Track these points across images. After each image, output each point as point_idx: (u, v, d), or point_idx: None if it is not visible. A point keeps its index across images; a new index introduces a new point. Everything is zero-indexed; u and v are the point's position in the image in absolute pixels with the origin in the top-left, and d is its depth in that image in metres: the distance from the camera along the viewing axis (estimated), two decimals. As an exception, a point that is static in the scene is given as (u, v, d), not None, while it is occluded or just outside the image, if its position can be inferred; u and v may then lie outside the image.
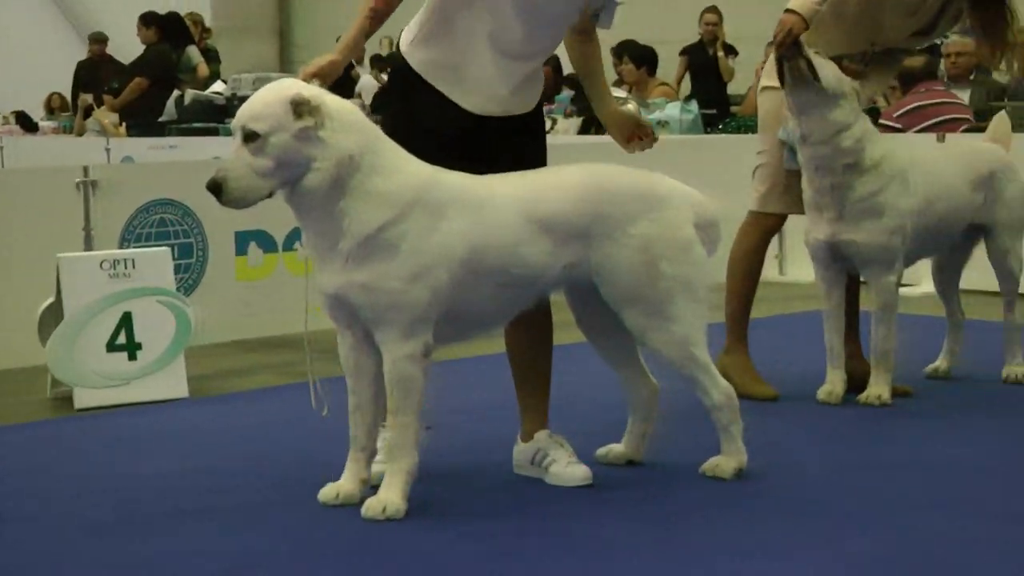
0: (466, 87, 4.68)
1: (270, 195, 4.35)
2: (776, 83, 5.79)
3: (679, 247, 4.59)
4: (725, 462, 4.74)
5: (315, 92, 4.30)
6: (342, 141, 4.27)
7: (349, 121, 4.33)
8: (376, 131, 4.41)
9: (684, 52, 14.33)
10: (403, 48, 4.75)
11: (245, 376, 6.96)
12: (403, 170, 4.37)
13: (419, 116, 4.62)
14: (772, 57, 5.80)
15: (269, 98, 4.26)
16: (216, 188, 4.28)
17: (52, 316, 6.42)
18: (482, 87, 4.69)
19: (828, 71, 5.65)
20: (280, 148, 4.23)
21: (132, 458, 5.33)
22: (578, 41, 4.93)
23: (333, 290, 4.38)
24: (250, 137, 4.24)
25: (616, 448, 4.96)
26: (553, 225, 4.49)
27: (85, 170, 7.52)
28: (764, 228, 6.01)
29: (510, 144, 4.73)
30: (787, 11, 5.56)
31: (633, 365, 4.88)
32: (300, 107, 4.23)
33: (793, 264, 9.61)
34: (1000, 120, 6.46)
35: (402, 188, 4.33)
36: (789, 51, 5.57)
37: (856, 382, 5.87)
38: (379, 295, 4.31)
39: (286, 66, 22.90)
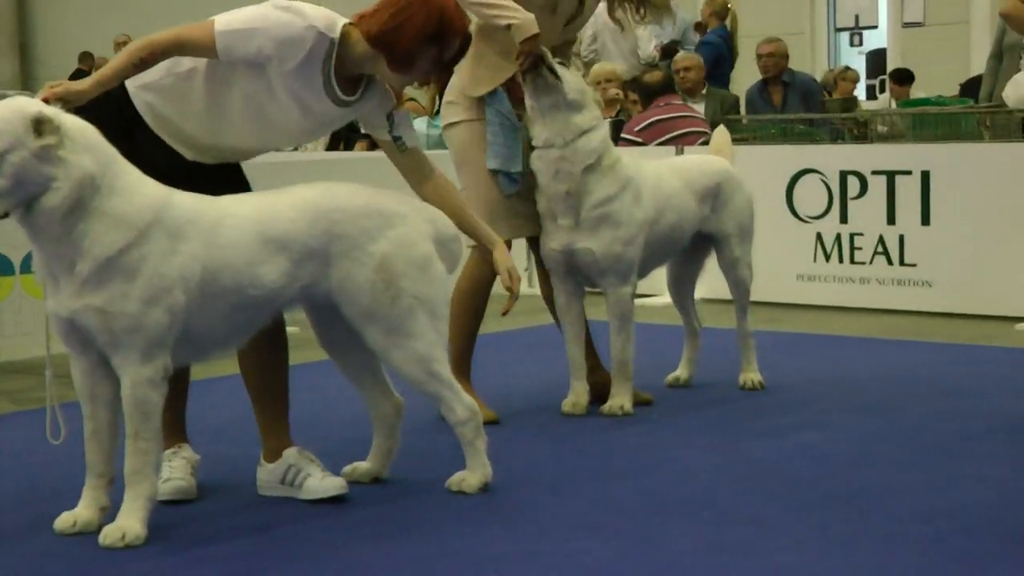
0: (188, 143, 4.67)
1: (5, 215, 4.22)
2: (462, 117, 5.84)
3: (417, 265, 4.60)
4: (471, 476, 4.76)
5: (55, 111, 4.19)
6: (83, 161, 4.17)
7: (89, 141, 4.23)
8: (114, 152, 4.30)
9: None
10: (131, 87, 4.61)
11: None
12: (141, 191, 4.29)
13: (141, 155, 4.47)
14: (462, 85, 5.83)
15: (7, 115, 4.13)
16: None
17: None
18: (204, 149, 4.69)
19: (571, 78, 5.76)
20: (18, 167, 4.10)
21: None
22: (417, 185, 4.87)
23: (67, 314, 4.27)
24: None
25: (361, 465, 4.95)
26: (289, 245, 4.46)
27: None
28: (488, 261, 5.93)
29: (223, 188, 4.65)
30: (524, 41, 5.61)
31: (376, 382, 4.88)
32: (41, 125, 4.11)
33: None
34: (720, 133, 6.67)
35: (142, 209, 4.25)
36: (534, 62, 5.65)
37: (599, 392, 5.96)
38: (117, 319, 4.22)
39: (28, 82, 22.28)
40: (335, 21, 4.59)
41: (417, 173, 4.85)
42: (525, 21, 5.60)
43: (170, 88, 4.59)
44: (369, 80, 4.70)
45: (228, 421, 5.41)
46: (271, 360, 4.82)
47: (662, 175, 6.07)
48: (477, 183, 5.83)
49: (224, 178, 4.74)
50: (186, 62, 4.57)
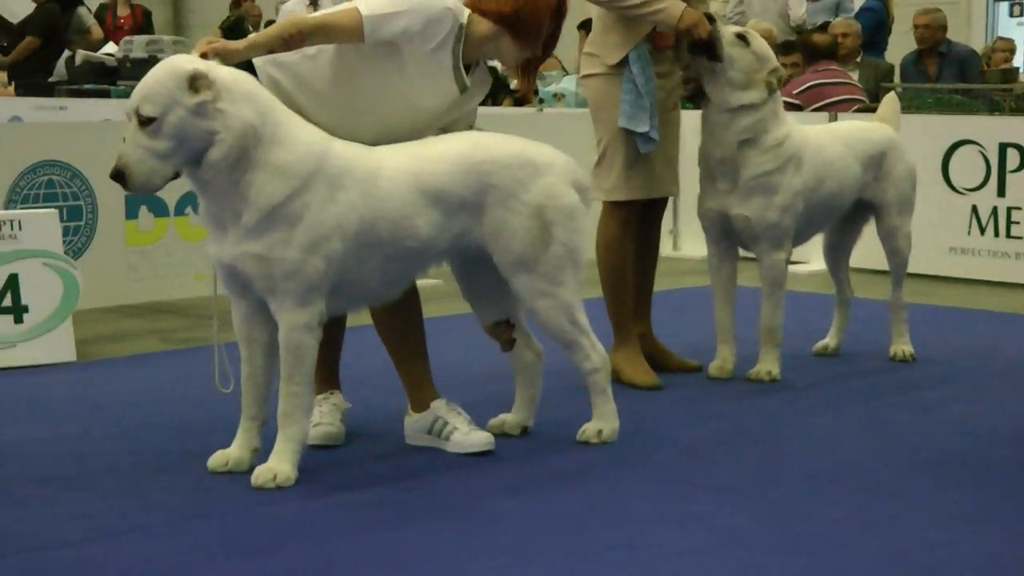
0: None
1: (176, 175, 4.32)
2: (598, 70, 5.80)
3: (566, 213, 4.67)
4: (603, 426, 4.86)
5: (209, 65, 4.26)
6: (242, 111, 4.24)
7: (246, 91, 4.30)
8: (272, 99, 4.38)
9: (583, 26, 14.33)
10: (258, 61, 4.63)
11: (130, 341, 6.90)
12: (302, 139, 4.36)
13: None
14: (597, 40, 5.80)
15: (161, 77, 4.22)
16: (120, 176, 4.23)
17: (-66, 277, 6.31)
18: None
19: (738, 58, 5.70)
20: (178, 127, 4.20)
21: (12, 422, 5.28)
22: None
23: (229, 260, 4.36)
24: (146, 121, 4.20)
25: (508, 417, 4.99)
26: (444, 196, 4.52)
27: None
28: (622, 218, 5.85)
29: None
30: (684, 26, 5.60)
31: (518, 331, 4.92)
32: (196, 82, 4.19)
33: (686, 239, 9.71)
34: (890, 100, 6.56)
35: (304, 158, 4.33)
36: (700, 43, 5.67)
37: (651, 362, 5.89)
38: (276, 265, 4.30)
39: (180, 29, 22.61)
40: (460, 5, 4.66)
41: None
42: (670, 8, 5.59)
43: (295, 66, 4.64)
44: (475, 67, 4.75)
45: (376, 369, 5.46)
46: (405, 317, 4.87)
47: (824, 142, 6.00)
48: (611, 138, 5.80)
49: None
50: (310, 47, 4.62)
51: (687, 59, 5.80)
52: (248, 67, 4.54)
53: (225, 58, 4.36)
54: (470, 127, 4.90)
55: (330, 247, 4.34)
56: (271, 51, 4.49)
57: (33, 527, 4.02)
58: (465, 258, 4.74)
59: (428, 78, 4.63)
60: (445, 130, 4.81)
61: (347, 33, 4.51)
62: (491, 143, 4.68)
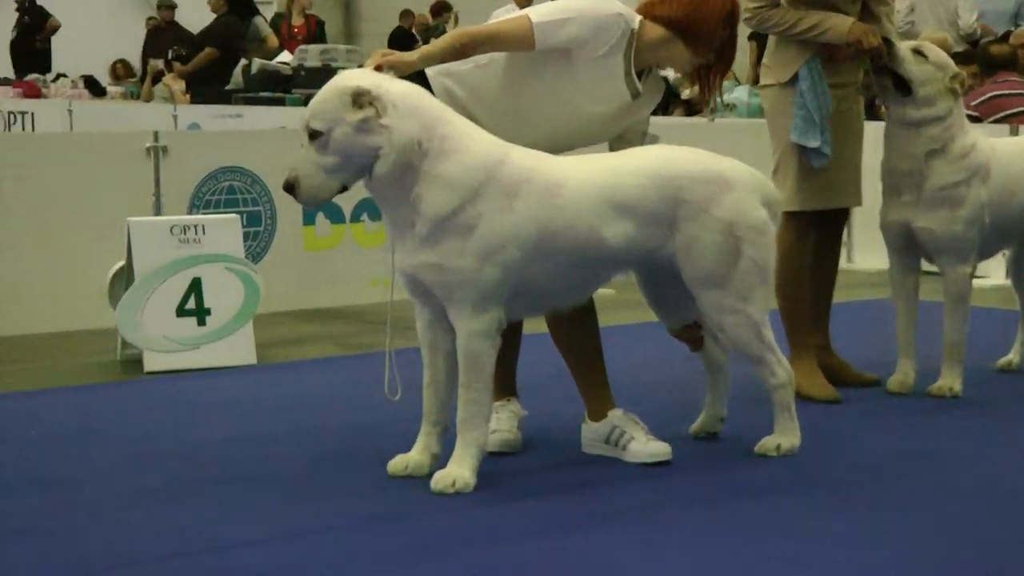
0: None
1: (344, 188, 4.38)
2: (772, 80, 5.75)
3: (756, 229, 4.64)
4: (783, 440, 4.81)
5: (376, 81, 4.30)
6: (406, 126, 4.28)
7: (412, 105, 4.32)
8: (443, 113, 4.40)
9: (752, 37, 14.22)
10: (431, 71, 4.68)
11: (305, 345, 7.01)
12: (472, 151, 4.37)
13: None
14: (772, 53, 5.76)
15: (327, 94, 4.29)
16: (290, 188, 4.33)
17: (122, 279, 6.46)
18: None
19: (918, 73, 5.60)
20: (343, 142, 4.26)
21: (194, 423, 5.38)
22: None
23: (409, 270, 4.41)
24: (314, 135, 4.28)
25: (704, 415, 5.03)
26: (636, 210, 4.51)
27: (155, 135, 7.58)
28: (797, 228, 5.75)
29: None
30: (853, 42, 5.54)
31: (705, 330, 4.92)
32: (359, 98, 4.24)
33: (860, 252, 9.56)
34: None
35: (472, 170, 4.34)
36: (878, 64, 5.59)
37: (828, 375, 5.79)
38: (451, 274, 4.33)
39: (352, 38, 22.91)
40: (631, 11, 4.65)
41: None
42: (836, 27, 5.53)
43: (467, 76, 4.66)
44: (646, 73, 4.73)
45: (552, 377, 5.46)
46: (581, 326, 4.85)
47: (1013, 154, 5.86)
48: (784, 149, 5.75)
49: None
50: (483, 55, 4.64)
51: (867, 78, 5.71)
52: (421, 78, 4.59)
53: (398, 70, 4.40)
54: (643, 135, 4.88)
55: (506, 255, 4.35)
56: (443, 61, 4.52)
57: (216, 527, 4.08)
58: (651, 270, 4.73)
59: (599, 84, 4.63)
60: (621, 139, 4.80)
61: (518, 41, 4.53)
62: (682, 157, 4.66)
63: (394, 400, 4.76)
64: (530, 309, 4.62)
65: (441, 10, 19.65)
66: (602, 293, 4.86)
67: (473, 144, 4.38)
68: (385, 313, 4.78)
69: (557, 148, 4.64)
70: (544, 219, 4.40)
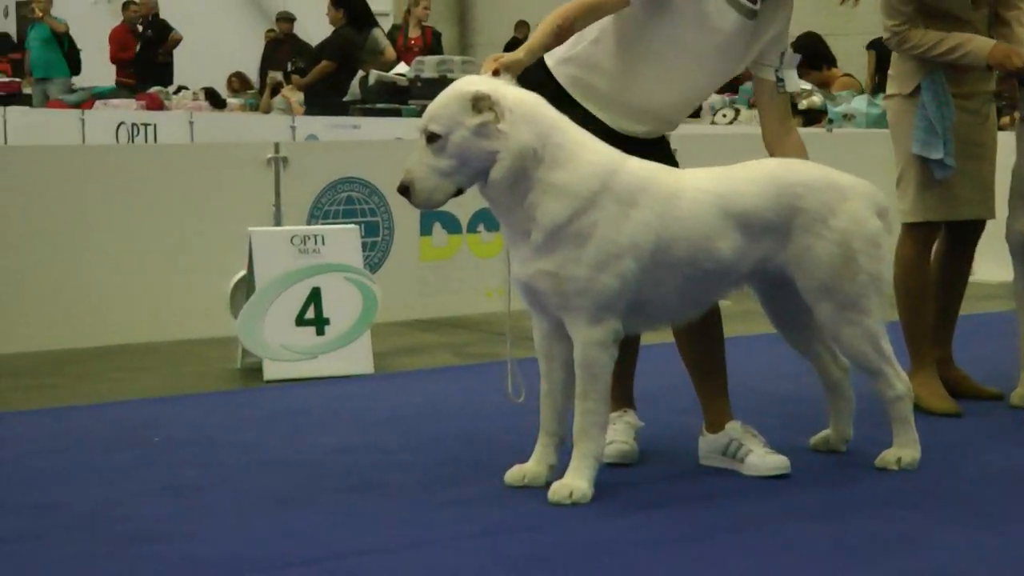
0: (616, 113, 4.73)
1: (459, 192, 4.39)
2: (896, 91, 5.67)
3: (871, 241, 4.59)
4: (904, 453, 4.74)
5: (494, 86, 4.31)
6: (523, 133, 4.28)
7: (529, 113, 4.32)
8: (560, 121, 4.39)
9: (871, 46, 14.08)
10: (550, 62, 4.75)
11: (423, 355, 7.04)
12: (587, 159, 4.36)
13: None
14: (897, 63, 5.68)
15: (447, 98, 4.30)
16: (405, 191, 4.35)
17: (243, 289, 6.54)
18: (633, 116, 4.74)
19: None
20: (461, 146, 4.27)
21: (313, 432, 5.41)
22: (774, 134, 4.89)
23: (524, 278, 4.41)
24: (431, 138, 4.29)
25: (829, 433, 4.98)
26: (750, 220, 4.47)
27: (276, 147, 7.66)
28: (919, 240, 5.68)
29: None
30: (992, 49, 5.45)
31: (824, 349, 4.88)
32: (479, 103, 4.25)
33: (983, 263, 9.36)
34: None
35: (586, 178, 4.33)
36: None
37: (949, 388, 5.69)
38: (567, 282, 4.33)
39: (466, 49, 23.02)
40: None
41: (781, 122, 4.89)
42: (976, 50, 5.45)
43: (585, 57, 4.68)
44: None
45: (668, 388, 5.45)
46: (706, 335, 4.83)
47: None
48: (907, 160, 5.66)
49: (652, 154, 4.73)
50: (593, 30, 4.65)
51: (1002, 86, 5.63)
52: (545, 75, 4.65)
53: (512, 70, 4.41)
54: (781, 55, 4.82)
55: (623, 265, 4.34)
56: (547, 48, 4.53)
57: (336, 534, 4.11)
58: (768, 283, 4.69)
59: (705, 16, 4.61)
60: (758, 64, 4.81)
61: (612, 3, 4.54)
62: (797, 166, 4.64)
63: (518, 402, 4.77)
64: (646, 323, 4.59)
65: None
66: (720, 303, 4.82)
67: (587, 153, 4.38)
68: (501, 323, 4.80)
69: (697, 94, 4.73)
70: (660, 229, 4.38)
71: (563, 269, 4.32)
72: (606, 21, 4.64)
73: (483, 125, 4.25)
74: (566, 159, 4.33)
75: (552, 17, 4.53)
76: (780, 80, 4.82)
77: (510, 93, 4.31)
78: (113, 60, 18.68)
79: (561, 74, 4.73)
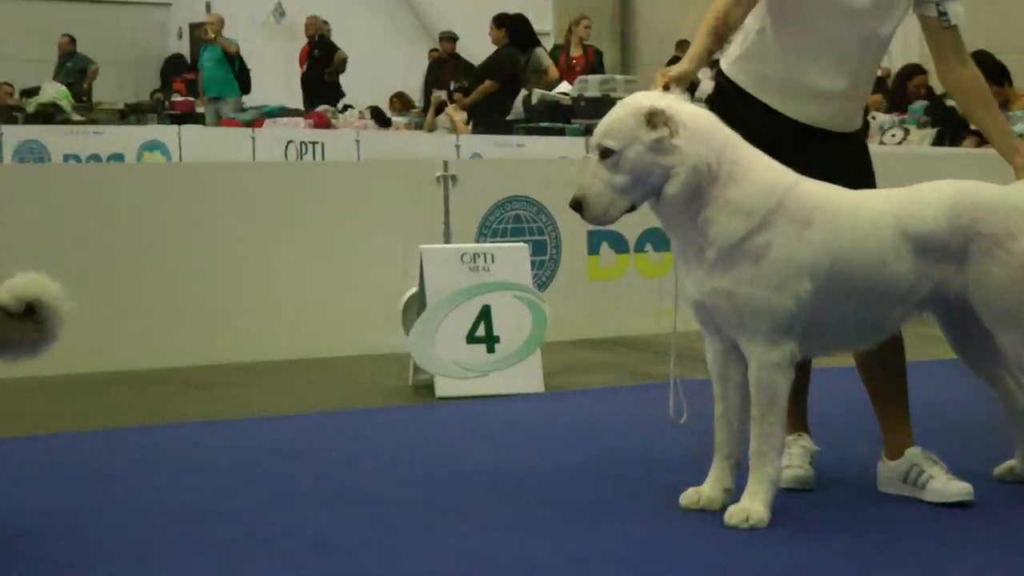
0: (794, 99, 4.66)
1: (632, 208, 4.36)
2: None
3: None
4: None
5: (669, 102, 4.28)
6: (698, 149, 4.24)
7: (703, 129, 4.29)
8: (733, 138, 4.35)
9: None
10: (725, 66, 4.76)
11: (591, 374, 7.01)
12: (762, 177, 4.31)
13: (747, 129, 4.49)
14: None
15: (622, 114, 4.29)
16: (578, 206, 4.32)
17: (415, 306, 6.58)
18: (810, 99, 4.66)
19: None
20: (635, 162, 4.24)
21: (487, 448, 5.44)
22: (948, 68, 4.76)
23: (698, 296, 4.37)
24: (606, 154, 4.27)
25: (1015, 464, 4.82)
26: (926, 243, 4.37)
27: (445, 165, 7.71)
28: None
29: (838, 158, 4.67)
30: None
31: (1010, 377, 4.74)
32: (654, 118, 4.23)
33: None
34: None
35: (763, 197, 4.28)
36: None
37: None
38: (743, 301, 4.27)
39: (627, 68, 22.98)
40: None
41: (953, 56, 4.73)
42: None
43: (754, 49, 4.67)
44: None
45: (844, 412, 5.36)
46: (889, 360, 4.73)
47: None
48: None
49: (846, 149, 4.71)
50: (756, 21, 4.63)
51: None
52: (723, 82, 4.66)
53: (681, 81, 4.37)
54: (936, 5, 4.71)
55: (799, 286, 4.27)
56: (710, 51, 4.51)
57: (508, 550, 4.12)
58: (947, 308, 4.56)
59: None
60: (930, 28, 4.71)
61: None
62: (975, 189, 4.51)
63: (679, 423, 4.72)
64: (823, 346, 4.52)
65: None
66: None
67: (762, 171, 4.33)
68: (668, 343, 4.74)
69: (863, 60, 4.65)
70: (836, 249, 4.31)
71: (739, 287, 4.27)
72: (763, 8, 4.61)
73: (658, 140, 4.22)
74: (741, 176, 4.28)
75: (706, 20, 4.50)
76: (943, 14, 4.69)
77: (684, 108, 4.28)
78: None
79: (735, 73, 4.72)
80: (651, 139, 4.22)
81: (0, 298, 4.15)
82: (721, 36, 4.52)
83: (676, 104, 4.27)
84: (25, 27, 22.44)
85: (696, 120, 4.28)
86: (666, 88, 4.35)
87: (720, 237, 4.27)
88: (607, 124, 4.29)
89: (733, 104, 4.68)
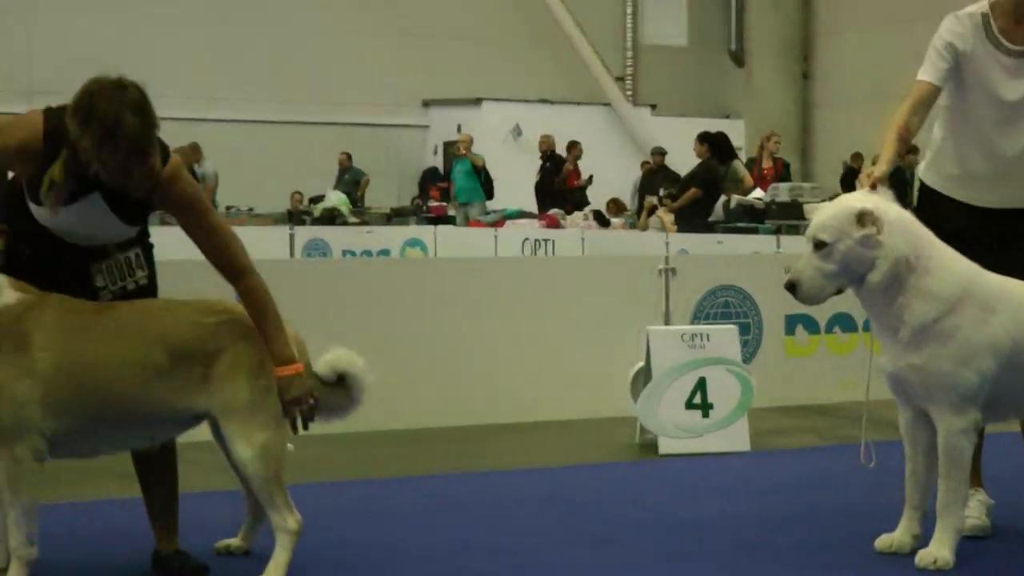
0: (969, 189, 4.69)
1: (839, 292, 4.37)
2: None
3: None
4: None
5: (876, 202, 4.29)
6: (898, 244, 4.25)
7: (905, 227, 4.30)
8: (928, 235, 4.35)
9: None
10: (920, 173, 4.87)
11: (791, 436, 6.94)
12: (951, 269, 4.30)
13: (939, 222, 4.49)
14: None
15: (836, 212, 4.31)
16: (792, 288, 4.36)
17: (641, 377, 6.64)
18: (983, 186, 4.68)
19: None
20: (845, 254, 4.26)
21: (703, 499, 5.42)
22: None
23: (893, 370, 4.35)
24: (819, 245, 4.29)
25: None
26: None
27: (666, 259, 7.77)
28: None
29: (1017, 234, 4.66)
30: None
31: None
32: (863, 218, 4.24)
33: None
34: None
35: (951, 286, 4.27)
36: None
37: None
38: (933, 376, 4.25)
39: (808, 177, 22.73)
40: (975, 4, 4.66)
41: None
42: None
43: (940, 153, 4.74)
44: None
45: (1013, 471, 5.23)
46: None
47: None
48: None
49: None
50: (938, 134, 4.72)
51: None
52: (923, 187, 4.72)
53: (882, 180, 4.40)
54: None
55: (983, 363, 4.23)
56: (899, 153, 4.54)
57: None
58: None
59: (991, 71, 4.60)
60: None
61: (926, 95, 4.60)
62: None
63: (868, 467, 4.69)
64: (1002, 415, 4.46)
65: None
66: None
67: (951, 263, 4.32)
68: (855, 409, 4.70)
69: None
70: (1016, 333, 4.26)
71: (929, 364, 4.25)
72: (944, 122, 4.70)
73: (866, 237, 4.25)
74: (935, 268, 4.28)
75: (891, 128, 4.57)
76: None
77: (890, 210, 4.30)
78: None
79: (927, 176, 4.82)
80: (860, 235, 4.25)
81: (319, 370, 4.29)
82: (904, 140, 4.58)
83: (882, 204, 4.30)
84: (311, 147, 23.22)
85: (899, 220, 4.30)
86: (873, 188, 4.39)
87: (914, 319, 4.26)
88: (822, 220, 4.32)
89: (931, 201, 4.78)
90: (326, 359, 4.27)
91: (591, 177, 19.39)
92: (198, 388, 4.02)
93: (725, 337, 6.65)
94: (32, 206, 3.99)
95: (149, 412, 4.01)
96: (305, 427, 4.11)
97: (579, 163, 19.60)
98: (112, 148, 3.77)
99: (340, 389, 4.30)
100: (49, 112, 3.95)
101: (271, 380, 4.05)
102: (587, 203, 18.63)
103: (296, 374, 4.04)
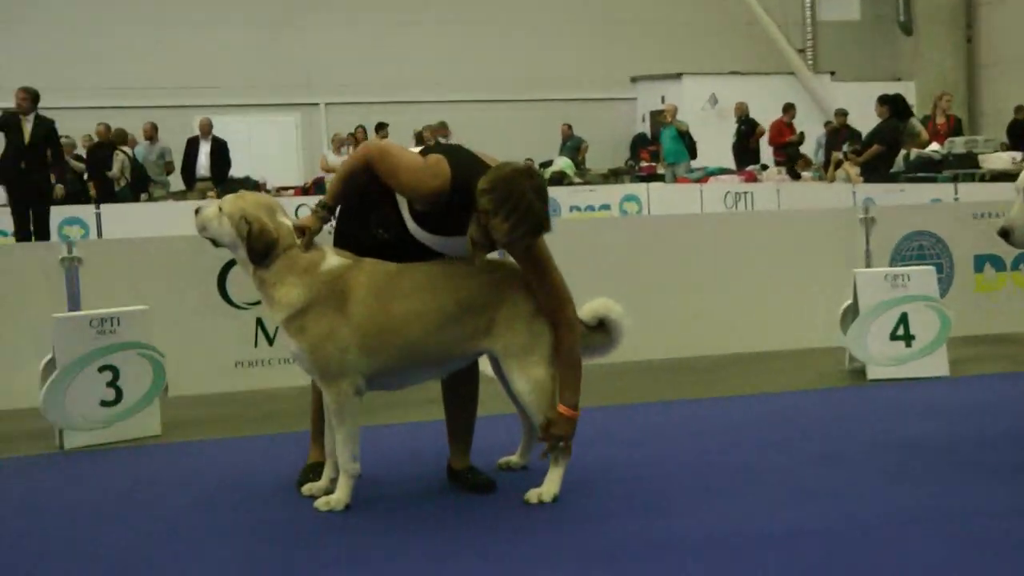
0: None
1: None
2: None
3: None
4: None
5: None
6: None
7: None
8: None
9: None
10: None
11: (984, 363, 6.52)
12: None
13: None
14: None
15: None
16: (1005, 235, 4.10)
17: (850, 313, 6.32)
18: None
19: None
20: None
21: (908, 420, 5.15)
22: None
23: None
24: None
25: None
26: None
27: (866, 209, 7.40)
28: None
29: None
30: None
31: None
32: None
33: None
34: None
35: None
36: None
37: None
38: None
39: (975, 130, 21.53)
40: None
41: None
42: None
43: None
44: None
45: None
46: None
47: None
48: None
49: None
50: None
51: None
52: None
53: None
54: None
55: None
56: None
57: (941, 504, 3.90)
58: None
59: None
60: None
61: None
62: None
63: None
64: None
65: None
66: None
67: None
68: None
69: None
70: None
71: None
72: None
73: None
74: None
75: None
76: None
77: None
78: (771, 143, 18.69)
79: None
80: None
81: (583, 316, 4.22)
82: None
83: None
84: (540, 120, 23.30)
85: None
86: None
87: None
88: None
89: None
90: (590, 306, 4.21)
91: (802, 134, 18.76)
92: (483, 333, 4.01)
93: (924, 277, 6.28)
94: (410, 223, 4.06)
95: (443, 353, 4.02)
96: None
97: (793, 122, 18.96)
98: (523, 230, 3.82)
99: (601, 332, 4.23)
100: (452, 161, 3.96)
101: (544, 326, 4.01)
102: (800, 157, 18.10)
103: (570, 418, 4.00)
